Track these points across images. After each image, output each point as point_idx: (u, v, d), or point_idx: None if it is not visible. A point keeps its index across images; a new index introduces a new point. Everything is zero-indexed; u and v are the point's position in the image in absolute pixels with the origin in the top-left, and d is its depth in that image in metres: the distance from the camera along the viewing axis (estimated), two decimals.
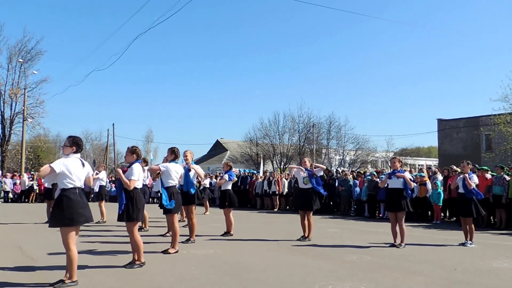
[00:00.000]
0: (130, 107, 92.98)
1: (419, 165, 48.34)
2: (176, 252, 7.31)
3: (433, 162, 48.60)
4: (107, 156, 49.80)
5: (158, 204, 7.83)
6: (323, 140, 41.99)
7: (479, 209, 8.48)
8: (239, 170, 26.93)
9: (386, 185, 8.61)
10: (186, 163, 8.42)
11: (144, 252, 6.34)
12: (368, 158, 42.33)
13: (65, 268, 5.14)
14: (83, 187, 5.27)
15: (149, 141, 64.24)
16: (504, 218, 11.80)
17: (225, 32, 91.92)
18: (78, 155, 5.29)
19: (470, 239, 8.46)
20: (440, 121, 36.06)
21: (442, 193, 13.31)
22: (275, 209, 18.96)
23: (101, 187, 13.22)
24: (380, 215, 14.85)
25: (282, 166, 40.35)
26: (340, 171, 20.19)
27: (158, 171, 7.84)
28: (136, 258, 6.14)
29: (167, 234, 9.17)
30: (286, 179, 19.22)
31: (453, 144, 34.72)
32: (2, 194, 24.60)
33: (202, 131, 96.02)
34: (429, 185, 13.72)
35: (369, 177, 15.75)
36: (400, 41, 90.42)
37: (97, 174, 12.47)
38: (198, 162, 46.62)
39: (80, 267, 5.21)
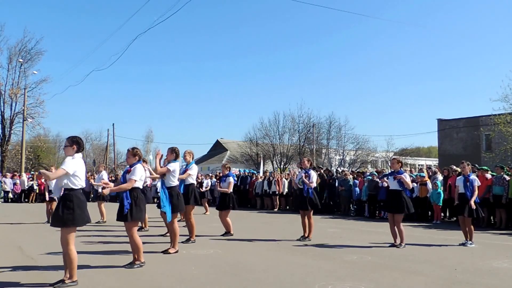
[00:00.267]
0: (130, 107, 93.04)
1: (419, 165, 48.34)
2: (176, 252, 7.31)
3: (433, 162, 48.60)
4: (107, 156, 49.79)
5: (156, 205, 7.81)
6: (323, 140, 42.02)
7: (479, 210, 8.48)
8: (239, 170, 26.93)
9: (386, 185, 8.61)
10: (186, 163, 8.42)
11: (144, 252, 6.34)
12: (368, 158, 42.31)
13: (64, 268, 5.14)
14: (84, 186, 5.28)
15: (149, 141, 64.16)
16: (504, 218, 11.80)
17: (225, 32, 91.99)
18: (80, 154, 5.28)
19: (470, 239, 8.46)
20: (440, 121, 36.05)
21: (442, 193, 13.31)
22: (275, 209, 18.96)
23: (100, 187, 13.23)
24: (381, 215, 14.84)
25: (282, 166, 40.34)
26: (340, 171, 20.20)
27: (166, 172, 7.78)
28: (136, 258, 6.14)
29: (167, 234, 9.16)
30: (286, 179, 19.21)
31: (453, 144, 34.71)
32: (2, 194, 24.59)
33: (202, 131, 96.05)
34: (429, 185, 13.72)
35: (369, 177, 15.75)
36: (400, 41, 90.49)
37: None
38: (198, 162, 46.64)
39: (80, 267, 5.21)
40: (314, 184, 9.21)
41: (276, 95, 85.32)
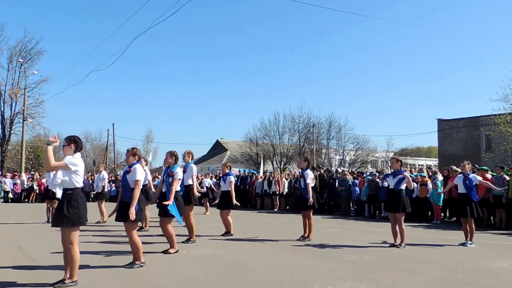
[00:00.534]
0: (130, 107, 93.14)
1: (419, 165, 48.35)
2: (176, 252, 7.30)
3: (433, 162, 48.62)
4: (107, 156, 49.78)
5: (156, 205, 7.78)
6: (323, 140, 42.04)
7: (478, 210, 8.50)
8: (239, 170, 26.94)
9: (386, 185, 8.62)
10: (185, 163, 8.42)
11: (144, 252, 6.35)
12: (368, 158, 42.33)
13: (64, 268, 5.14)
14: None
15: (149, 141, 64.29)
16: (504, 218, 11.80)
17: (225, 32, 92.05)
18: (79, 154, 5.27)
19: (470, 239, 8.46)
20: (440, 121, 36.05)
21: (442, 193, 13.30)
22: (275, 209, 18.95)
23: (102, 187, 13.26)
24: (382, 215, 14.84)
25: (282, 166, 40.35)
26: (340, 171, 20.20)
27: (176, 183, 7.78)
28: (136, 258, 6.13)
29: None
30: (286, 179, 19.22)
31: (453, 144, 34.71)
32: (2, 194, 24.59)
33: (202, 131, 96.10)
34: (429, 185, 13.72)
35: (370, 177, 15.75)
36: (400, 41, 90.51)
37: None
38: (198, 162, 46.67)
39: (80, 267, 5.20)
40: (311, 184, 9.21)
41: (276, 95, 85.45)
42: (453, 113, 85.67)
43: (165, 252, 7.28)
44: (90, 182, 24.33)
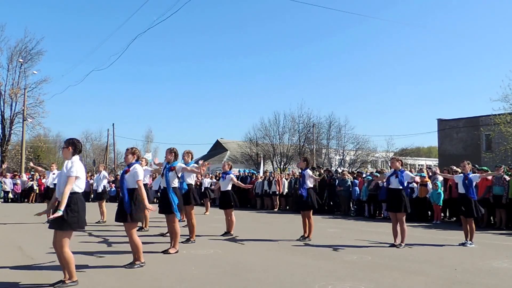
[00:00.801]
0: (130, 107, 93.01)
1: (419, 165, 48.38)
2: (176, 252, 7.30)
3: (433, 162, 48.59)
4: (107, 156, 49.78)
5: (158, 204, 7.78)
6: (323, 140, 42.03)
7: (479, 209, 8.50)
8: (239, 170, 26.93)
9: (386, 185, 8.62)
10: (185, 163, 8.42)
11: (144, 252, 6.34)
12: (368, 158, 42.32)
13: (62, 269, 5.14)
14: None
15: (149, 141, 64.23)
16: (504, 218, 11.80)
17: (225, 32, 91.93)
18: (78, 157, 5.24)
19: (470, 239, 8.46)
20: (440, 121, 36.05)
21: (442, 193, 13.31)
22: (275, 209, 18.96)
23: (103, 187, 13.28)
24: (382, 215, 14.84)
25: (282, 166, 40.35)
26: (340, 171, 20.19)
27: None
28: (136, 258, 6.13)
29: (167, 234, 9.16)
30: (286, 179, 19.22)
31: (453, 144, 34.71)
32: (2, 194, 24.59)
33: (202, 131, 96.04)
34: (429, 186, 13.72)
35: (370, 177, 15.76)
36: (400, 41, 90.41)
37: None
38: (198, 162, 46.55)
39: (80, 267, 5.21)
40: (310, 184, 9.22)
41: (276, 95, 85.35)
42: (453, 113, 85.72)
43: (165, 252, 7.28)
44: (90, 182, 24.35)
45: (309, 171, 9.26)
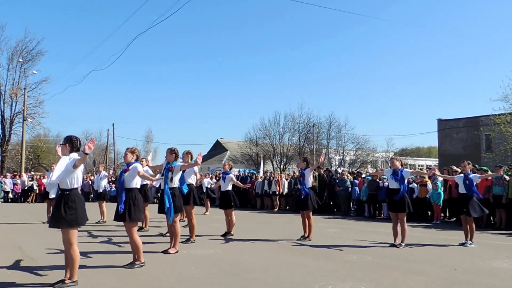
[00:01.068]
0: (130, 107, 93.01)
1: (419, 165, 48.39)
2: (176, 252, 7.30)
3: (433, 162, 48.60)
4: (107, 156, 49.78)
5: (157, 210, 7.78)
6: (323, 140, 42.05)
7: (482, 208, 8.50)
8: (239, 170, 26.94)
9: (386, 185, 8.63)
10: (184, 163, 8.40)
11: (144, 252, 6.34)
12: (368, 158, 42.34)
13: (64, 268, 5.14)
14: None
15: (149, 141, 64.26)
16: (504, 218, 11.80)
17: (225, 32, 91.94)
18: (76, 154, 5.23)
19: (470, 239, 8.46)
20: (440, 121, 36.05)
21: (442, 193, 13.31)
22: (275, 209, 18.96)
23: (103, 187, 13.29)
24: (382, 215, 14.83)
25: (282, 166, 40.36)
26: (340, 171, 20.19)
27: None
28: (136, 258, 6.13)
29: (167, 234, 9.16)
30: (286, 179, 19.22)
31: (453, 144, 34.71)
32: (2, 194, 24.60)
33: (202, 131, 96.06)
34: (429, 186, 13.71)
35: (370, 177, 15.76)
36: (400, 41, 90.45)
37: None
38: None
39: (80, 267, 5.20)
40: (310, 184, 9.22)
41: (276, 95, 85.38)
42: (453, 113, 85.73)
43: (165, 252, 7.28)
44: (90, 182, 24.36)
45: (309, 171, 9.27)
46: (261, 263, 6.54)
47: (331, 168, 29.70)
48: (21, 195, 25.01)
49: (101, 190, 13.33)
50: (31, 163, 45.75)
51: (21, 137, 35.75)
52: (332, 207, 17.26)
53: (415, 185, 13.86)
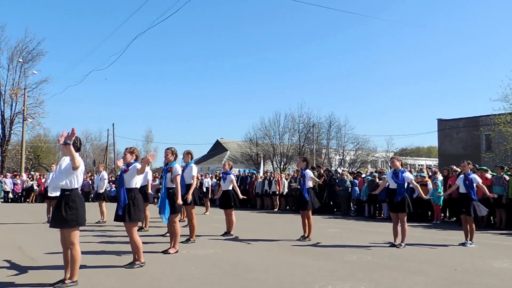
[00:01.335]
0: (130, 107, 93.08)
1: (419, 165, 48.39)
2: (176, 252, 7.30)
3: (433, 162, 48.64)
4: (107, 156, 49.77)
5: (159, 211, 7.77)
6: (323, 140, 42.06)
7: (481, 209, 8.50)
8: (239, 170, 26.94)
9: (387, 184, 8.62)
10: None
11: (144, 252, 6.34)
12: (368, 158, 42.34)
13: (64, 268, 5.14)
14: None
15: (149, 141, 64.32)
16: (504, 218, 11.80)
17: (225, 32, 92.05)
18: (77, 154, 5.22)
19: (470, 239, 8.46)
20: (440, 121, 36.06)
21: (442, 193, 13.29)
22: (275, 209, 18.96)
23: (103, 187, 13.29)
24: (382, 215, 14.82)
25: (282, 166, 40.35)
26: (340, 171, 20.18)
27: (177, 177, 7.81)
28: (136, 258, 6.13)
29: (167, 234, 9.15)
30: (286, 179, 19.22)
31: (453, 144, 34.71)
32: (2, 194, 24.60)
33: (202, 131, 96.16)
34: (430, 186, 13.71)
35: (369, 177, 15.75)
36: (400, 41, 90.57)
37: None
38: (198, 162, 46.65)
39: (80, 267, 5.20)
40: (310, 184, 9.21)
41: (276, 95, 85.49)
42: (453, 113, 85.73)
43: (165, 252, 7.28)
44: (90, 182, 24.36)
45: (309, 172, 9.26)
46: (261, 263, 6.54)
47: (331, 168, 29.69)
48: (21, 195, 25.01)
49: (101, 191, 13.33)
50: (31, 163, 45.72)
51: (21, 137, 35.78)
52: (332, 207, 17.26)
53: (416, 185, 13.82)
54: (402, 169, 8.46)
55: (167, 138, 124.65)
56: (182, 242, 8.12)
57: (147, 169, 10.33)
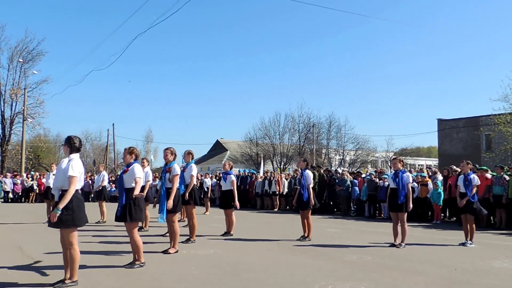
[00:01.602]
0: (130, 107, 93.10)
1: (419, 165, 48.40)
2: (176, 252, 7.30)
3: (433, 162, 48.64)
4: (107, 156, 49.77)
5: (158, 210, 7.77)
6: (323, 140, 42.05)
7: (481, 208, 8.50)
8: (239, 170, 26.93)
9: (387, 184, 8.62)
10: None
11: (144, 252, 6.34)
12: (368, 158, 42.34)
13: (64, 268, 5.14)
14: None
15: (149, 141, 64.37)
16: (504, 218, 11.80)
17: (225, 32, 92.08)
18: (77, 154, 5.23)
19: (471, 239, 8.46)
20: (440, 121, 36.05)
21: (442, 193, 13.31)
22: (275, 209, 18.95)
23: (102, 187, 13.28)
24: (382, 215, 14.82)
25: (282, 166, 40.35)
26: (340, 171, 20.18)
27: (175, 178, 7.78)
28: (136, 258, 6.13)
29: (167, 234, 9.15)
30: (286, 179, 19.22)
31: (453, 144, 34.71)
32: (2, 194, 24.60)
33: (202, 131, 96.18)
34: (430, 185, 13.71)
35: (369, 177, 15.75)
36: (400, 41, 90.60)
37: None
38: (198, 162, 46.64)
39: (80, 267, 5.20)
40: (311, 184, 9.22)
41: (276, 95, 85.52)
42: (453, 113, 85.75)
43: (165, 252, 7.28)
44: (90, 182, 24.35)
45: (309, 172, 9.27)
46: (261, 263, 6.54)
47: (331, 168, 29.69)
48: (21, 195, 25.00)
49: (98, 189, 13.33)
50: (31, 163, 45.77)
51: (21, 137, 35.78)
52: (332, 207, 17.26)
53: (416, 184, 13.85)
54: (403, 169, 8.47)
55: (167, 138, 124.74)
56: (182, 242, 8.13)
57: (147, 169, 10.34)
